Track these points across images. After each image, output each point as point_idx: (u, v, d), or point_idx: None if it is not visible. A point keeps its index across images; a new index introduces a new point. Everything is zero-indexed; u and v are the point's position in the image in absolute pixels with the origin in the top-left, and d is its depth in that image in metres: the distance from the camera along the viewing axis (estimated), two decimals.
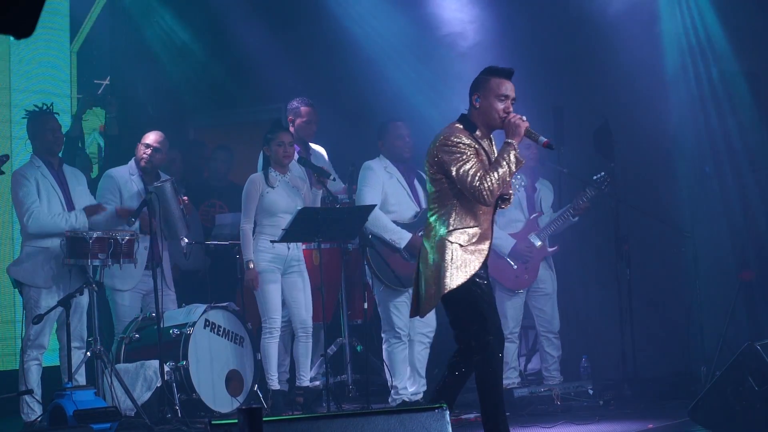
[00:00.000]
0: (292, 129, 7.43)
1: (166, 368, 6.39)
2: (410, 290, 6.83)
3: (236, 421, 2.45)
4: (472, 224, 4.72)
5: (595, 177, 7.27)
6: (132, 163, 7.13)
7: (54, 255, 6.37)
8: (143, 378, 6.47)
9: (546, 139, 4.76)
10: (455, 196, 4.73)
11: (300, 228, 6.41)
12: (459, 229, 4.71)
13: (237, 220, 7.48)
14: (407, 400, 6.72)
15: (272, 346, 6.87)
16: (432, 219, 4.81)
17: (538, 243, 7.36)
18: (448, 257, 4.68)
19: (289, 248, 6.87)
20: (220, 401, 6.67)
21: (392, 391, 6.77)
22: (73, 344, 6.24)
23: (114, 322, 7.03)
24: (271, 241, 6.72)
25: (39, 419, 6.22)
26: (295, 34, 8.90)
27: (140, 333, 6.75)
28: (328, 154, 7.78)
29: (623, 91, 8.08)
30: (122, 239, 6.25)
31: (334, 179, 7.40)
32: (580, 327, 8.30)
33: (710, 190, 7.59)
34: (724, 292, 7.25)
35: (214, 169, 8.45)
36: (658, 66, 8.11)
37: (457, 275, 4.66)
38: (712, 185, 7.48)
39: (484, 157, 4.75)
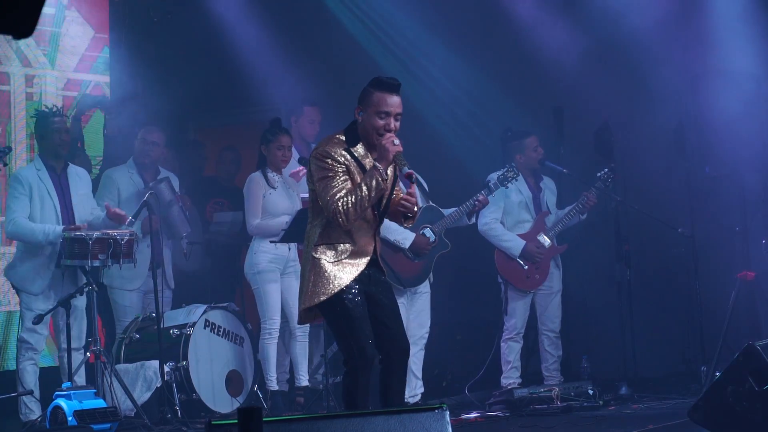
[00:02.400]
0: (294, 128, 7.44)
1: (166, 368, 6.39)
2: (410, 290, 6.87)
3: (236, 421, 2.45)
4: (341, 240, 4.52)
5: (599, 174, 7.29)
6: (131, 161, 7.14)
7: (48, 260, 6.36)
8: (143, 378, 6.47)
9: (410, 171, 4.50)
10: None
11: (300, 228, 6.39)
12: (326, 244, 4.52)
13: (237, 218, 7.47)
14: (407, 401, 6.71)
15: (271, 347, 6.87)
16: (307, 230, 4.64)
17: (547, 242, 7.36)
18: (310, 272, 4.51)
19: (289, 249, 6.88)
20: (220, 401, 6.67)
21: None
22: (72, 345, 6.24)
23: (115, 322, 7.03)
24: (272, 241, 6.72)
25: (39, 419, 6.22)
26: (297, 34, 8.89)
27: (140, 333, 6.75)
28: None
29: (623, 90, 8.09)
30: (122, 239, 6.24)
31: None
32: (580, 327, 8.29)
33: (710, 190, 7.58)
34: (724, 292, 7.25)
35: (222, 170, 8.46)
36: (655, 65, 8.12)
37: (318, 292, 4.49)
38: (712, 185, 7.47)
39: (358, 176, 4.52)
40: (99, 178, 7.27)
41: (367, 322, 4.55)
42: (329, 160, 4.49)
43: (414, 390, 6.86)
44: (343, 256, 4.51)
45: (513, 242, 7.29)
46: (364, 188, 4.43)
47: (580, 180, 7.48)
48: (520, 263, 7.31)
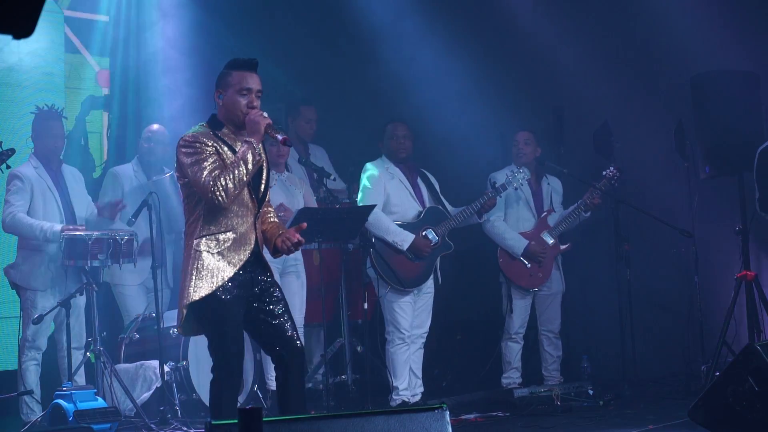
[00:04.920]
0: (291, 128, 7.44)
1: (166, 368, 6.39)
2: (414, 291, 6.86)
3: (236, 421, 2.45)
4: (222, 229, 4.43)
5: (604, 172, 7.28)
6: (135, 160, 7.18)
7: (50, 257, 6.38)
8: (143, 378, 6.47)
9: (284, 136, 4.54)
10: (202, 200, 4.44)
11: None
12: (207, 235, 4.42)
13: None
14: (407, 400, 6.72)
15: None
16: (186, 225, 4.55)
17: (551, 241, 7.36)
18: (193, 266, 4.39)
19: None
20: None
21: (393, 392, 6.78)
22: (72, 345, 6.25)
23: (123, 316, 7.06)
24: None
25: (39, 419, 6.22)
26: (297, 33, 8.89)
27: (140, 333, 6.75)
28: (330, 154, 7.78)
29: (623, 90, 8.09)
30: (121, 239, 6.25)
31: (334, 179, 7.40)
32: (580, 327, 8.30)
33: (710, 190, 7.58)
34: (724, 292, 7.25)
35: None
36: (655, 65, 8.12)
37: (201, 286, 4.37)
38: (712, 185, 7.47)
39: (228, 157, 4.44)
40: (102, 177, 7.30)
41: (240, 331, 4.46)
42: (197, 144, 4.43)
43: (414, 390, 6.86)
44: (225, 246, 4.42)
45: (516, 241, 7.28)
46: (241, 162, 4.37)
47: (579, 179, 7.48)
48: (524, 262, 7.31)
